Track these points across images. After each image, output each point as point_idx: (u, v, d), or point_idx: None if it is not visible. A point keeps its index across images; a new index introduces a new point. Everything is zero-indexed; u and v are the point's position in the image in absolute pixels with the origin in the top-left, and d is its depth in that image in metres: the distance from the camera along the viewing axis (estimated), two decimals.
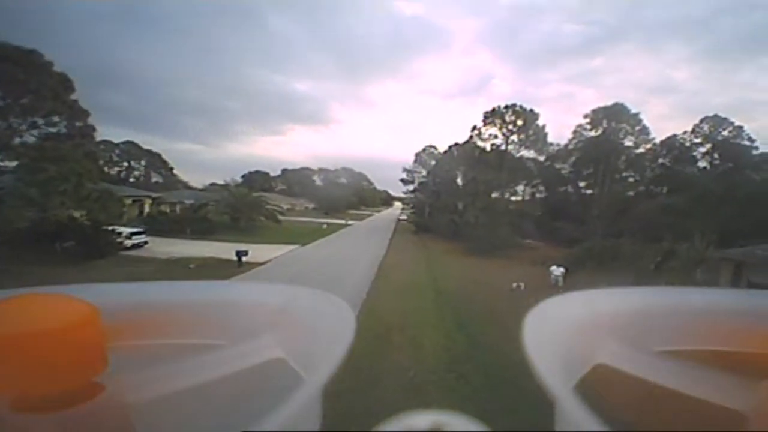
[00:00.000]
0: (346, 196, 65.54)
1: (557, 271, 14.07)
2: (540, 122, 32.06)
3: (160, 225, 21.72)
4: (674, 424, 0.38)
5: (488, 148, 32.92)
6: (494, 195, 30.98)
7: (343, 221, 41.34)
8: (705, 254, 12.95)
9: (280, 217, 28.98)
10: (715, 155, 26.11)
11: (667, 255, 13.91)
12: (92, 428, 0.32)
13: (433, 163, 41.75)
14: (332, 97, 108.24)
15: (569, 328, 0.38)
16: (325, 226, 33.93)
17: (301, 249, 20.05)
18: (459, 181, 35.25)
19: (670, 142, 28.94)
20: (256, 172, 69.72)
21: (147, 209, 26.63)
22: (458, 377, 4.80)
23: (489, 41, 68.77)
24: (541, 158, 32.06)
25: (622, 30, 53.96)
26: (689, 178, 23.85)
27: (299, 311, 0.41)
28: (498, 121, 33.04)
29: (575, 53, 58.63)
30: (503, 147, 32.13)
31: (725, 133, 26.53)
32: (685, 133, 28.98)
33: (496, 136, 32.94)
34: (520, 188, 34.09)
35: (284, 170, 74.20)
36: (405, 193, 46.67)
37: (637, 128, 29.31)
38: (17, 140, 15.65)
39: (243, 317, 0.43)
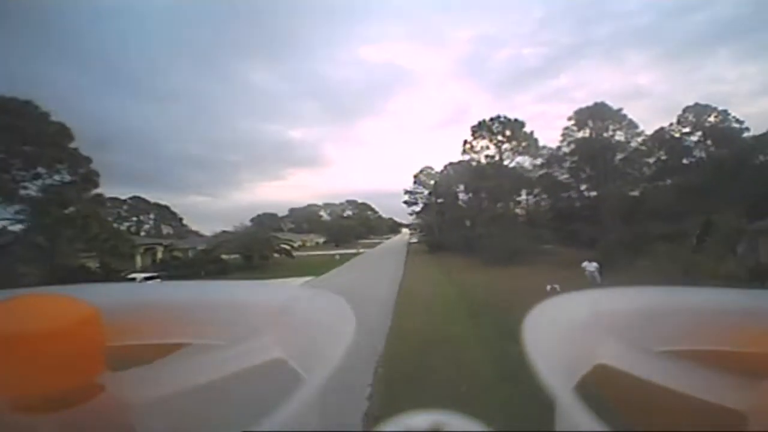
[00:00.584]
0: (354, 226, 67.10)
1: (590, 266, 12.89)
2: (527, 129, 32.49)
3: (174, 270, 21.42)
4: (674, 424, 0.37)
5: (483, 161, 32.87)
6: (499, 205, 30.33)
7: (354, 250, 41.16)
8: (744, 224, 11.94)
9: (294, 253, 28.82)
10: (709, 142, 25.60)
11: (706, 228, 12.65)
12: (92, 428, 0.32)
13: (433, 182, 41.73)
14: (325, 140, 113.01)
15: (570, 328, 0.37)
16: (337, 256, 33.47)
17: (317, 280, 19.40)
18: (462, 196, 35.21)
19: (660, 135, 28.40)
20: (264, 214, 69.98)
21: (160, 256, 26.42)
22: (513, 385, 4.30)
23: (457, 74, 72.82)
24: (537, 162, 31.52)
25: (578, 46, 57.33)
26: (691, 167, 23.10)
27: (299, 311, 0.40)
28: (486, 134, 33.37)
29: (541, 74, 61.90)
30: (497, 157, 31.97)
31: (711, 119, 26.11)
32: (671, 125, 28.69)
33: (488, 148, 32.92)
34: (522, 197, 33.45)
35: (291, 209, 75.14)
36: (410, 214, 46.10)
37: (624, 123, 28.64)
38: (22, 192, 15.49)
39: (243, 317, 0.43)
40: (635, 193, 25.50)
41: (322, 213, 77.19)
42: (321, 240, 60.18)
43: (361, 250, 40.96)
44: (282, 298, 0.43)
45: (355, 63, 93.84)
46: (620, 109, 29.01)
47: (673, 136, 27.72)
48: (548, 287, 12.24)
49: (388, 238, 70.73)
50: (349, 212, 78.80)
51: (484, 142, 33.79)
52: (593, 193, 29.79)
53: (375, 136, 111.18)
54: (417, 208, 44.47)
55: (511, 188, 30.49)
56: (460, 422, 0.26)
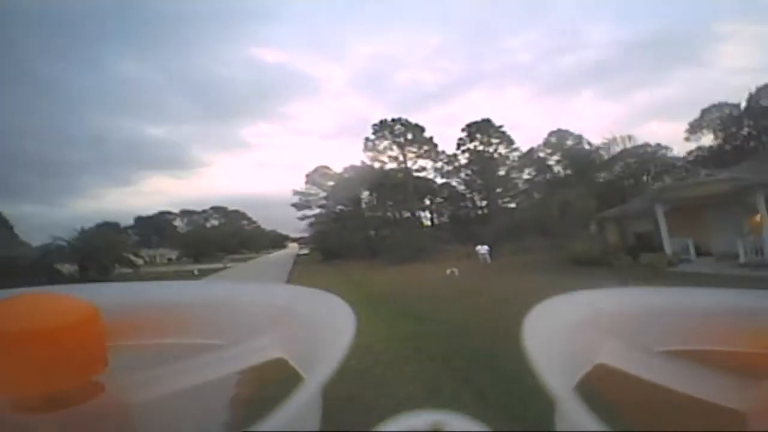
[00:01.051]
0: (221, 238, 59.37)
1: (483, 249, 16.16)
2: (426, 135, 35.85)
3: None
4: (674, 424, 0.42)
5: (387, 161, 35.39)
6: (404, 212, 34.11)
7: (220, 265, 37.62)
8: (592, 212, 17.29)
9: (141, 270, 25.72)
10: (566, 162, 35.66)
11: (562, 215, 18.35)
12: (92, 427, 0.34)
13: (331, 183, 41.13)
14: (193, 140, 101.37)
15: (570, 328, 0.41)
16: (196, 272, 30.34)
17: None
18: (365, 199, 36.51)
19: (531, 154, 36.26)
20: (104, 224, 59.95)
21: None
22: (416, 349, 5.03)
23: (357, 87, 77.88)
24: (438, 165, 36.24)
25: (468, 78, 71.35)
26: (550, 183, 31.62)
27: (299, 311, 0.43)
28: (389, 135, 36.16)
29: (435, 98, 73.46)
30: (401, 158, 35.03)
31: (569, 142, 36.79)
32: (538, 145, 36.52)
33: (392, 149, 35.52)
34: (426, 203, 37.82)
35: (138, 218, 64.75)
36: (301, 218, 42.59)
37: (505, 139, 36.28)
38: None
39: (243, 317, 0.45)
40: (512, 205, 33.14)
41: (177, 223, 67.95)
42: (173, 255, 53.10)
43: (229, 265, 37.41)
44: (282, 298, 0.47)
45: (244, 63, 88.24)
46: (501, 126, 36.60)
47: (539, 157, 37.71)
48: (448, 271, 14.61)
49: (269, 253, 64.32)
50: (214, 222, 70.70)
51: (386, 143, 36.21)
52: (484, 203, 37.79)
53: (259, 140, 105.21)
54: (309, 212, 42.07)
55: (418, 194, 33.92)
56: (460, 422, 0.28)
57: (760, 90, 27.39)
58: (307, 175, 43.22)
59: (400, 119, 37.57)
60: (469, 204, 39.86)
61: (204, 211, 71.45)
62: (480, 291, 10.19)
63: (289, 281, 16.87)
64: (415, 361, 4.58)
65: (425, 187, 37.19)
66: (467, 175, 39.91)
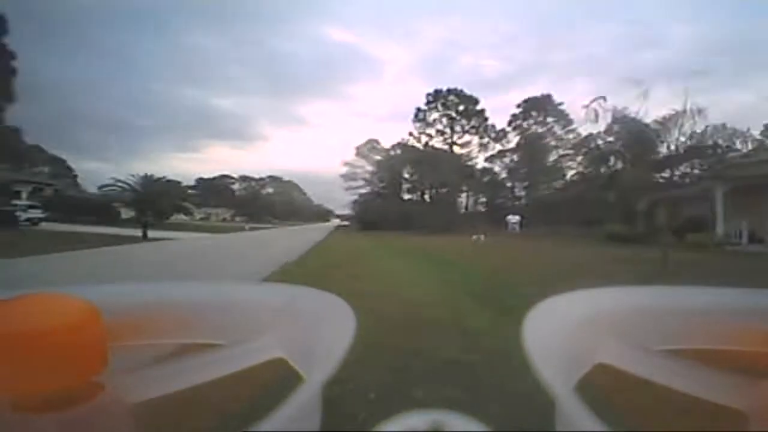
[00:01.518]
0: (274, 204, 62.91)
1: (513, 218, 16.10)
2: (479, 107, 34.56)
3: (60, 211, 20.93)
4: (674, 424, 0.42)
5: (432, 137, 35.07)
6: (443, 190, 33.45)
7: (269, 225, 41.02)
8: (644, 188, 17.40)
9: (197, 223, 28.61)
10: (627, 155, 32.73)
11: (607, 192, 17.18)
12: (92, 428, 0.34)
13: (378, 158, 41.43)
14: (258, 113, 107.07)
15: (570, 327, 0.40)
16: (247, 227, 33.83)
17: (215, 236, 20.35)
18: (406, 176, 36.89)
19: (588, 141, 33.50)
20: (166, 180, 65.17)
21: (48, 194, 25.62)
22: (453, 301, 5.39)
23: (418, 72, 77.80)
24: (485, 141, 35.36)
25: (533, 68, 67.67)
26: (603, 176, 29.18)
27: (299, 311, 0.44)
28: (440, 105, 35.34)
29: (498, 86, 70.88)
30: (448, 133, 34.65)
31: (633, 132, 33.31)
32: (599, 132, 35.76)
33: (441, 121, 34.98)
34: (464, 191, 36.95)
35: (199, 179, 68.35)
36: (346, 189, 43.16)
37: (562, 118, 34.36)
38: None
39: (243, 317, 0.46)
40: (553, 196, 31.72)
41: (236, 187, 71.76)
42: (228, 215, 57.02)
43: (278, 226, 40.96)
44: (282, 297, 0.47)
45: (311, 37, 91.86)
46: (561, 104, 35.12)
47: (597, 146, 34.67)
48: (473, 237, 15.10)
49: (314, 224, 66.68)
50: (269, 190, 74.21)
51: (437, 115, 36.32)
52: (523, 193, 35.97)
53: (317, 118, 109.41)
54: (354, 184, 42.88)
55: (459, 174, 33.99)
56: (460, 422, 0.28)
57: None
58: (357, 148, 44.56)
59: (455, 89, 36.34)
60: (509, 194, 38.41)
61: (261, 179, 75.16)
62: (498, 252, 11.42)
63: (324, 240, 18.93)
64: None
65: (466, 170, 36.22)
66: (512, 160, 37.37)
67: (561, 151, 36.00)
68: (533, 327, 0.37)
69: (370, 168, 42.55)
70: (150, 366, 0.38)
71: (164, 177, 27.54)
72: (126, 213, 24.99)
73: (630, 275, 7.03)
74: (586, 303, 0.44)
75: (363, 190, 41.71)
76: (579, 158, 34.59)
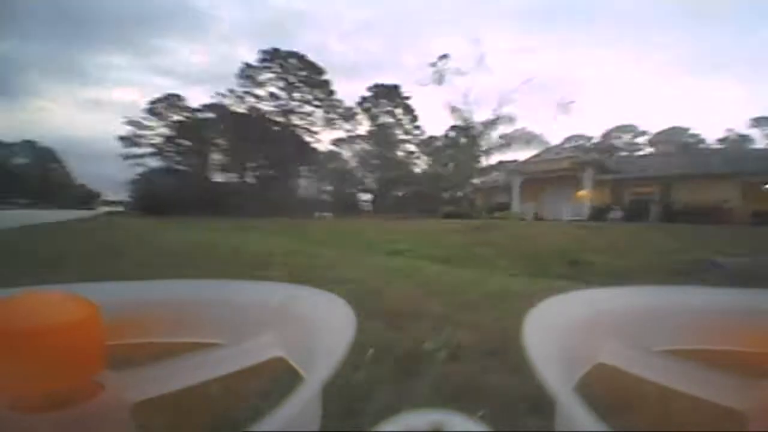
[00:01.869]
0: (28, 180, 47.18)
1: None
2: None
3: None
4: (674, 424, 0.43)
5: (260, 99, 29.01)
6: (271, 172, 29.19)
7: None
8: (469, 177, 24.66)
9: None
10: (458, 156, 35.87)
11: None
12: (92, 427, 0.33)
13: (177, 119, 31.52)
14: (32, 63, 75.75)
15: (569, 328, 0.41)
16: None
17: None
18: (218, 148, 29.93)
19: (431, 142, 36.36)
20: None
21: None
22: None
23: (253, 36, 70.57)
24: (331, 116, 32.12)
25: (381, 63, 72.49)
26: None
27: (299, 310, 0.44)
28: (277, 66, 28.93)
29: (341, 72, 72.60)
30: (284, 98, 29.32)
31: (464, 139, 32.46)
32: (441, 136, 37.00)
33: (277, 83, 28.71)
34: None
35: None
36: (125, 158, 31.59)
37: (409, 114, 35.01)
38: None
39: (243, 316, 0.45)
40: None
41: None
42: None
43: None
44: (281, 296, 0.46)
45: None
46: (408, 98, 35.47)
47: (440, 146, 36.41)
48: (316, 214, 15.31)
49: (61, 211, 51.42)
50: (22, 160, 56.10)
51: (270, 75, 29.94)
52: (374, 186, 36.09)
53: (104, 74, 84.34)
54: (138, 150, 31.94)
55: (298, 156, 30.24)
56: (460, 422, 0.28)
57: None
58: (151, 103, 32.93)
59: (297, 53, 30.44)
60: (359, 184, 36.99)
61: (13, 144, 56.44)
62: None
63: None
64: None
65: (306, 150, 32.33)
66: (363, 149, 35.94)
67: (409, 147, 37.40)
68: (533, 327, 0.38)
69: (164, 131, 32.00)
70: (150, 365, 0.38)
71: None
72: None
73: (460, 227, 11.83)
74: (586, 303, 0.46)
75: (150, 163, 31.69)
76: (423, 156, 36.95)
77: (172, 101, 33.05)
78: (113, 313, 0.36)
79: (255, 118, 29.24)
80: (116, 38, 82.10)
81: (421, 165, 37.62)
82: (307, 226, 12.52)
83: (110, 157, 32.79)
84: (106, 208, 45.84)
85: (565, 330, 0.40)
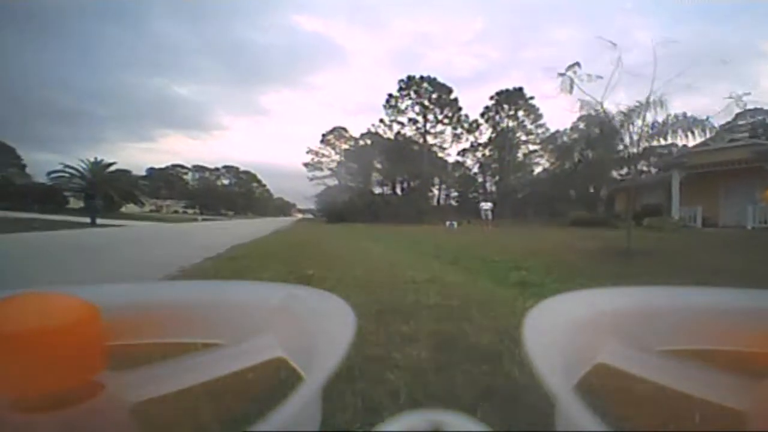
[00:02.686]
0: (230, 196, 61.41)
1: (486, 205, 16.85)
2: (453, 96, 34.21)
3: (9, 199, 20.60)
4: (674, 424, 0.43)
5: (404, 125, 34.66)
6: (414, 183, 33.78)
7: (224, 218, 40.60)
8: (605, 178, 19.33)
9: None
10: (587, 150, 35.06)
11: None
12: (92, 427, 0.34)
13: (345, 147, 40.70)
14: (216, 102, 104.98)
15: (570, 327, 0.40)
16: (200, 219, 33.70)
17: (166, 225, 20.02)
18: (376, 166, 36.65)
19: (554, 138, 34.45)
20: (117, 170, 61.85)
21: None
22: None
23: (388, 65, 79.28)
24: (458, 131, 35.48)
25: (505, 65, 70.95)
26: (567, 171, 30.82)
27: (299, 310, 0.45)
28: (413, 93, 34.64)
29: (467, 84, 73.24)
30: (420, 122, 34.36)
31: (597, 130, 35.33)
32: (565, 129, 35.33)
33: (413, 108, 34.28)
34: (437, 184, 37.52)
35: (150, 169, 66.33)
36: (311, 179, 41.32)
37: (533, 113, 35.41)
38: None
39: (243, 316, 0.47)
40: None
41: (188, 177, 69.55)
42: (179, 208, 56.12)
43: (233, 220, 39.37)
44: (281, 296, 0.47)
45: (280, 27, 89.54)
46: (532, 98, 36.08)
47: (564, 141, 36.51)
48: (447, 224, 15.74)
49: (274, 217, 64.98)
50: (225, 181, 72.43)
51: (408, 102, 35.67)
52: (494, 188, 37.28)
53: (281, 108, 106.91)
54: (319, 174, 41.60)
55: (429, 172, 34.47)
56: (460, 422, 0.28)
57: None
58: (324, 135, 42.87)
59: (428, 77, 36.06)
60: (480, 188, 39.73)
61: (216, 169, 73.26)
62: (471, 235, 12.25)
63: (288, 230, 18.69)
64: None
65: (438, 161, 36.66)
66: (483, 155, 38.35)
67: (531, 147, 37.37)
68: (533, 327, 0.38)
69: (336, 157, 41.74)
70: (150, 365, 0.39)
71: (114, 162, 26.13)
72: (76, 202, 24.48)
73: (597, 244, 8.17)
74: (586, 303, 0.46)
75: (328, 182, 40.91)
76: (546, 155, 36.32)
77: (339, 132, 42.30)
78: (113, 313, 0.38)
79: (400, 141, 35.84)
80: (280, 77, 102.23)
81: (544, 164, 36.64)
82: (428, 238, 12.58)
83: (296, 176, 43.19)
84: (300, 215, 59.90)
85: (565, 330, 0.39)
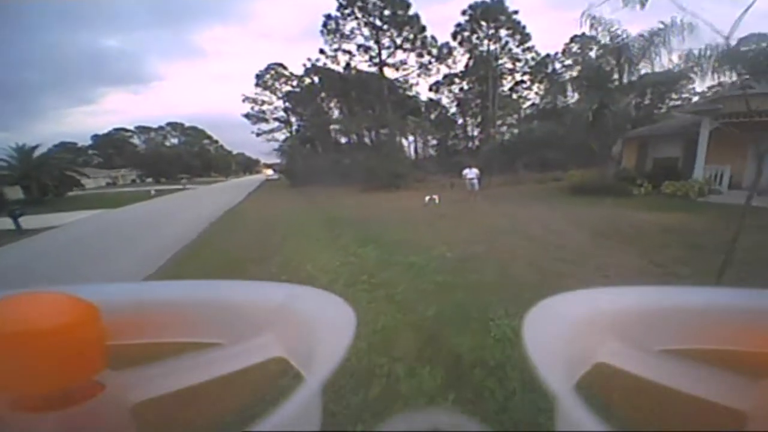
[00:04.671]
0: (183, 158, 57.55)
1: (471, 173, 13.83)
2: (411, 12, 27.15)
3: None
4: (674, 423, 0.43)
5: (353, 55, 27.98)
6: (383, 131, 29.78)
7: (179, 186, 36.72)
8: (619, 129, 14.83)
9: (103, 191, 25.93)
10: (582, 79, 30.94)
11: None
12: (92, 427, 0.35)
13: (287, 89, 33.48)
14: (148, 49, 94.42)
15: (570, 327, 0.42)
16: (153, 191, 30.30)
17: (113, 211, 17.53)
18: (335, 113, 31.41)
19: (544, 64, 30.19)
20: (61, 144, 58.20)
21: None
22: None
23: None
24: (425, 60, 29.25)
25: None
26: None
27: (299, 310, 0.46)
28: (358, 11, 26.69)
29: None
30: (374, 50, 27.71)
31: (592, 54, 29.88)
32: (556, 53, 30.62)
33: (362, 32, 26.93)
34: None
35: (95, 137, 63.27)
36: (257, 134, 34.68)
37: (518, 30, 29.21)
38: None
39: (243, 316, 0.48)
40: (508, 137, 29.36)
41: (136, 141, 64.93)
42: (135, 176, 53.00)
43: (189, 186, 36.48)
44: (281, 296, 0.48)
45: None
46: (516, 12, 28.43)
47: (554, 70, 31.74)
48: (426, 198, 12.83)
49: (237, 178, 63.49)
50: (173, 140, 67.43)
51: (353, 24, 26.72)
52: (477, 131, 33.11)
53: (217, 47, 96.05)
54: (266, 126, 34.54)
55: (399, 109, 28.55)
56: (460, 422, 0.30)
57: None
58: (257, 76, 34.15)
59: None
60: (460, 132, 34.51)
61: (161, 128, 68.46)
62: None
63: (242, 202, 17.21)
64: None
65: (408, 102, 30.84)
66: (461, 89, 32.59)
67: (518, 77, 31.77)
68: (533, 326, 0.40)
69: (280, 103, 34.48)
70: (150, 365, 0.41)
71: (38, 146, 23.20)
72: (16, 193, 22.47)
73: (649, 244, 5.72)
74: (586, 303, 0.48)
75: (278, 136, 34.79)
76: (536, 86, 31.70)
77: (276, 71, 34.39)
78: (113, 313, 0.39)
79: (352, 77, 28.81)
80: (210, 10, 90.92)
81: (534, 99, 31.93)
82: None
83: (250, 126, 36.51)
84: (270, 172, 55.40)
85: (565, 330, 0.41)
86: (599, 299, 0.48)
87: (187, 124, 70.10)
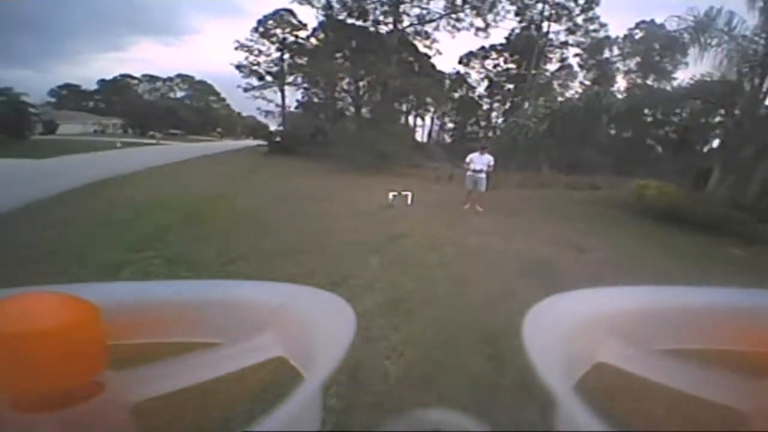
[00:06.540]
0: (179, 113, 54.38)
1: (479, 162, 8.75)
2: None
3: None
4: (674, 423, 0.44)
5: (369, 17, 23.84)
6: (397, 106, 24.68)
7: (152, 141, 36.01)
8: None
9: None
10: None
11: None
12: (92, 427, 0.36)
13: (290, 40, 28.16)
14: (187, 1, 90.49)
15: (570, 327, 0.42)
16: (119, 143, 27.93)
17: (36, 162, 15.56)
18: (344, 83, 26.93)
19: (597, 48, 26.31)
20: (65, 85, 58.18)
21: None
22: None
23: None
24: (456, 15, 24.27)
25: None
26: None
27: (299, 309, 0.46)
28: None
29: None
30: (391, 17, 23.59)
31: (657, 45, 24.44)
32: (614, 37, 26.97)
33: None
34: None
35: (101, 81, 61.46)
36: (245, 89, 29.44)
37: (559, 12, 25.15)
38: None
39: (243, 316, 0.49)
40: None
41: (141, 90, 63.19)
42: (117, 125, 51.12)
43: (162, 143, 34.90)
44: (281, 296, 0.49)
45: None
46: None
47: (607, 59, 26.30)
48: (391, 196, 8.13)
49: (234, 140, 60.04)
50: (181, 93, 64.85)
51: None
52: (500, 120, 27.22)
53: (260, 9, 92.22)
54: (256, 82, 29.14)
55: (402, 88, 24.12)
56: (460, 422, 0.30)
57: None
58: (259, 21, 28.57)
59: None
60: (483, 118, 29.48)
61: (170, 79, 65.77)
62: None
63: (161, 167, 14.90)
64: None
65: (424, 65, 25.80)
66: (496, 67, 27.49)
67: (567, 55, 27.00)
68: (533, 326, 0.41)
69: (276, 55, 29.20)
70: (150, 365, 0.42)
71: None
72: None
73: None
74: (586, 303, 0.48)
75: (267, 94, 29.76)
76: (580, 77, 26.65)
77: (282, 17, 28.70)
78: (113, 313, 0.40)
79: (359, 27, 23.65)
80: None
81: (576, 88, 27.32)
82: None
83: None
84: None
85: (565, 329, 0.42)
86: (599, 299, 0.49)
87: (197, 78, 67.30)
